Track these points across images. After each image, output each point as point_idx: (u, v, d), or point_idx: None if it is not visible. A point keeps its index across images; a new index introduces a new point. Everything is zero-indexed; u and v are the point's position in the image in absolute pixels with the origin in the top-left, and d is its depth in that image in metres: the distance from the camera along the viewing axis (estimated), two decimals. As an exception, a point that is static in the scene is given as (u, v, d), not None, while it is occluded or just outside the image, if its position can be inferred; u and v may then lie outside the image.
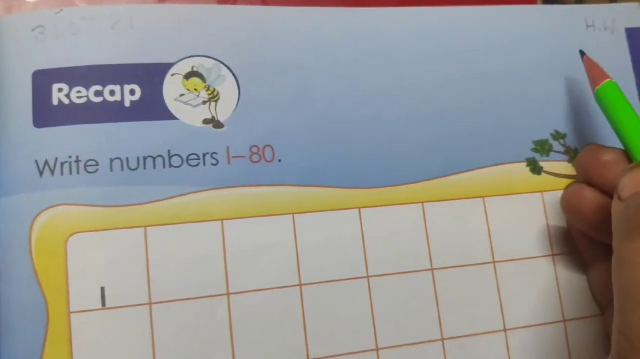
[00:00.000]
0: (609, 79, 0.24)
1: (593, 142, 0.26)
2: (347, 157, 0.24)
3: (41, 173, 0.22)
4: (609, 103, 0.24)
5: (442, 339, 0.24)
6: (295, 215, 0.23)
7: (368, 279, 0.24)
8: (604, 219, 0.21)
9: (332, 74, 0.25)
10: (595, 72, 0.25)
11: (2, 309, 0.21)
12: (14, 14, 0.23)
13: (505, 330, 0.24)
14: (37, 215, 0.21)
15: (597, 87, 0.24)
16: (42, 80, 0.22)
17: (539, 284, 0.25)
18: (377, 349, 0.23)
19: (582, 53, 0.26)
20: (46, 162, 0.22)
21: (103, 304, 0.21)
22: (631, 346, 0.18)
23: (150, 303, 0.21)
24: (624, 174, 0.21)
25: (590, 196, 0.23)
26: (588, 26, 0.28)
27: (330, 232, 0.24)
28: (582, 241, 0.25)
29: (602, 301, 0.25)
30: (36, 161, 0.22)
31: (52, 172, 0.22)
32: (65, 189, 0.22)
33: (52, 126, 0.22)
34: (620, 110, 0.23)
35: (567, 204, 0.24)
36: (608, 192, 0.23)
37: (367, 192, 0.24)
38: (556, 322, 0.25)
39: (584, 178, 0.24)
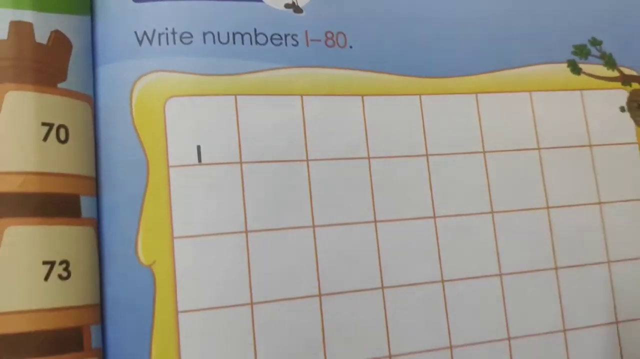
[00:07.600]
0: None
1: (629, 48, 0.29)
2: (409, 49, 0.27)
3: (140, 42, 0.24)
4: None
5: (492, 213, 0.26)
6: (364, 97, 0.26)
7: (427, 157, 0.26)
8: None
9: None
10: None
11: (104, 163, 0.23)
12: None
13: (548, 207, 0.27)
14: (138, 79, 0.23)
15: None
16: (140, -42, 0.24)
17: (579, 171, 0.28)
18: (434, 217, 0.26)
19: None
20: (145, 33, 0.24)
21: (199, 160, 0.23)
22: None
23: (241, 162, 0.24)
24: None
25: None
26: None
27: (394, 114, 0.26)
28: None
29: None
30: (135, 32, 0.24)
31: (151, 42, 0.24)
32: (163, 57, 0.24)
33: (149, 0, 0.24)
34: None
35: None
36: None
37: (427, 81, 0.27)
38: (592, 204, 0.28)
39: None
